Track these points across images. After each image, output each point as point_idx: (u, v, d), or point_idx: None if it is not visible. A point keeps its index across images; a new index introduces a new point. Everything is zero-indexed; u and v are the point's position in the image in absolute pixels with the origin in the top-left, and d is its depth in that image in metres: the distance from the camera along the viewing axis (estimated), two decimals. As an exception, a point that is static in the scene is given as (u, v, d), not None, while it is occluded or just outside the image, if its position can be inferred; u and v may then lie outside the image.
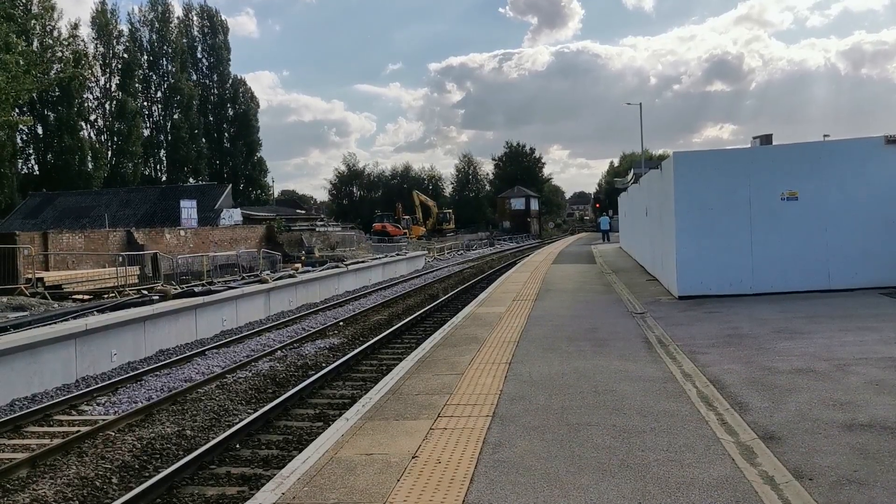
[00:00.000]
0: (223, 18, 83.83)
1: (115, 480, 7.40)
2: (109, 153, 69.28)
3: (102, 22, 69.16)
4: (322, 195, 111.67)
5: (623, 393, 6.79)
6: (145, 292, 18.41)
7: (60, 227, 40.04)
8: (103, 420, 9.49)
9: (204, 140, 79.45)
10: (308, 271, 25.49)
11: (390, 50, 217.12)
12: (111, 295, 19.74)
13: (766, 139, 19.74)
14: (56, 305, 17.61)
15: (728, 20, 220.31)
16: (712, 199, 13.44)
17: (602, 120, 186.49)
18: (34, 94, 48.54)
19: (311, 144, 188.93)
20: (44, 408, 10.13)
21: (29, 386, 11.17)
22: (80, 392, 11.07)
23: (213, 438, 8.41)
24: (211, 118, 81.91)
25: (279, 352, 14.21)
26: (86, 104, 67.85)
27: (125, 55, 71.29)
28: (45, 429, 9.50)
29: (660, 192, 16.08)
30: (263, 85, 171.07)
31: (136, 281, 23.87)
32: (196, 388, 11.15)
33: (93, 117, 69.65)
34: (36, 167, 66.67)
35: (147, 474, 7.54)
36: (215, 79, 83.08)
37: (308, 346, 14.72)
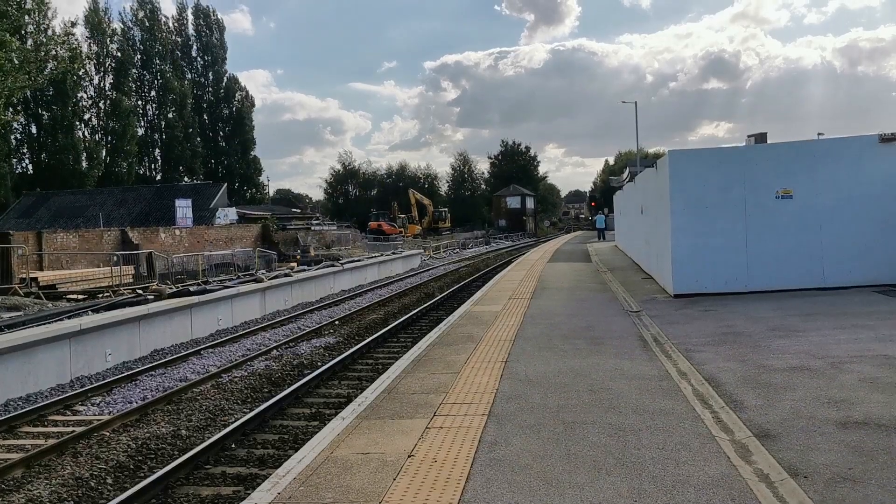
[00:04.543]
0: (219, 17, 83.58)
1: (109, 481, 7.38)
2: (104, 152, 68.97)
3: (95, 21, 68.83)
4: (317, 194, 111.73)
5: (619, 391, 6.80)
6: (140, 292, 18.35)
7: (55, 226, 39.90)
8: (98, 420, 9.46)
9: (199, 139, 79.15)
10: (303, 270, 25.44)
11: (385, 47, 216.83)
12: (106, 294, 19.68)
13: (761, 137, 19.75)
14: (50, 305, 17.55)
15: (724, 18, 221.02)
16: (707, 197, 13.47)
17: (598, 118, 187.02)
18: (27, 93, 48.28)
19: (306, 143, 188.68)
20: (38, 408, 10.10)
21: (23, 386, 11.13)
22: (75, 392, 11.03)
23: (209, 438, 8.39)
24: (206, 117, 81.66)
25: (275, 351, 14.18)
26: (80, 103, 67.56)
27: (119, 54, 71.04)
28: (40, 429, 9.47)
29: (655, 190, 16.10)
30: (258, 83, 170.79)
31: (131, 280, 23.84)
32: (191, 388, 11.13)
33: (87, 116, 69.34)
34: (30, 167, 66.43)
35: (142, 474, 7.51)
36: (210, 77, 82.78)
37: (304, 345, 14.70)
